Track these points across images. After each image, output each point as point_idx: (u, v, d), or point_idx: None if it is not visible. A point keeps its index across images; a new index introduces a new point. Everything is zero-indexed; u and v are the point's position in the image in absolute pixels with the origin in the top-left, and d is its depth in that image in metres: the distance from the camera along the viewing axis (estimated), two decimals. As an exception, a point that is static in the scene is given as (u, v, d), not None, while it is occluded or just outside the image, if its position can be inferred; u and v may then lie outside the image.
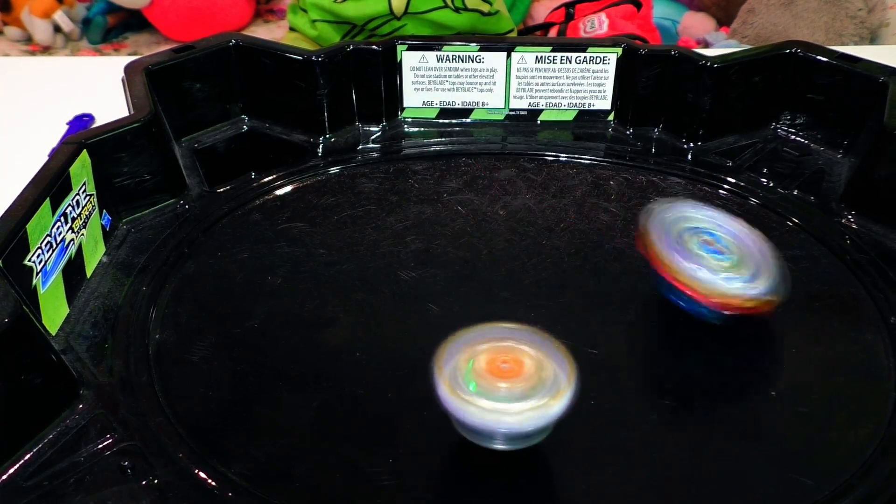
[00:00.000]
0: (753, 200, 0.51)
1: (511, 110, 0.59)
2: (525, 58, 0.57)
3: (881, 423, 0.36)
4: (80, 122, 0.66)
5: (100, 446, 0.35)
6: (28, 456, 0.34)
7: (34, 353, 0.35)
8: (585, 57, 0.57)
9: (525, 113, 0.59)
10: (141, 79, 0.52)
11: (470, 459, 0.35)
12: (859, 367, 0.39)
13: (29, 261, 0.38)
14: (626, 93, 0.58)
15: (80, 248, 0.43)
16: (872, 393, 0.38)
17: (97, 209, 0.46)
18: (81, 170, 0.44)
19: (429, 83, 0.59)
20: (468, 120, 0.60)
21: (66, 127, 0.65)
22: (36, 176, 0.41)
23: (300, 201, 0.51)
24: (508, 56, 0.58)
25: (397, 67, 0.58)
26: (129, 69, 0.54)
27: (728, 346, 0.40)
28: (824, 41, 1.31)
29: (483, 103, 0.59)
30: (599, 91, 0.58)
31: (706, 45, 1.45)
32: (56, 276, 0.41)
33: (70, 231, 0.42)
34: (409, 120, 0.60)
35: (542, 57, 0.57)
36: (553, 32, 1.27)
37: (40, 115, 0.68)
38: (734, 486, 0.34)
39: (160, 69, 0.54)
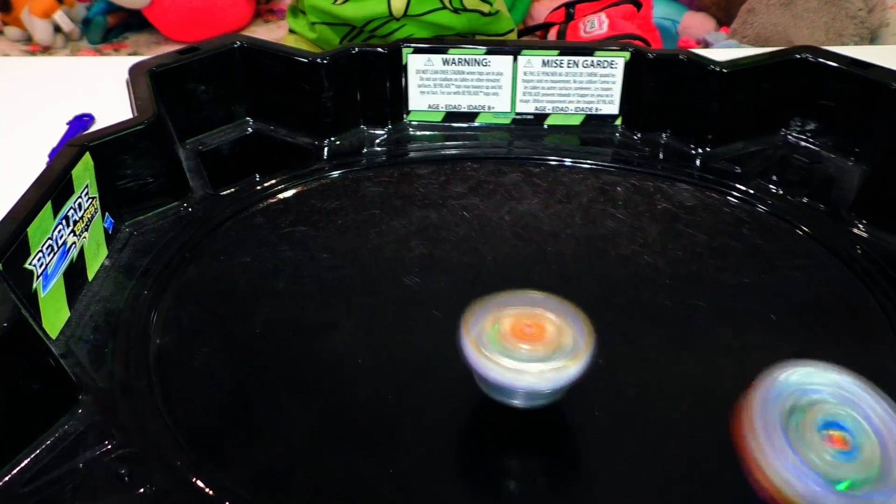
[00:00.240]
0: (762, 208, 0.50)
1: (517, 114, 0.59)
2: (532, 61, 0.57)
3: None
4: (80, 123, 0.65)
5: (98, 453, 0.34)
6: (26, 462, 0.34)
7: (33, 358, 0.35)
8: (593, 61, 0.57)
9: (531, 117, 0.59)
10: (145, 80, 0.52)
11: (471, 467, 0.35)
12: (868, 377, 0.38)
13: (30, 264, 0.38)
14: (633, 97, 0.57)
15: (81, 251, 0.43)
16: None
17: (99, 212, 0.45)
18: (84, 172, 0.44)
19: (434, 86, 0.58)
20: (474, 124, 0.59)
21: (66, 127, 0.65)
22: (38, 178, 0.41)
23: (304, 205, 0.51)
24: (515, 59, 0.57)
25: (403, 70, 0.57)
26: (134, 71, 0.53)
27: (735, 354, 0.40)
28: (824, 41, 1.31)
29: (489, 107, 0.59)
30: (607, 95, 0.58)
31: (706, 45, 1.45)
32: (57, 280, 0.40)
33: (72, 234, 0.42)
34: (415, 123, 0.59)
35: (548, 60, 0.57)
36: (553, 32, 1.27)
37: (40, 115, 0.67)
38: (738, 495, 0.33)
39: (164, 71, 0.54)
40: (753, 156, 0.55)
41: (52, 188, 0.40)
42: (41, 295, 0.39)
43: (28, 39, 1.76)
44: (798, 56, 0.55)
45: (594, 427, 0.37)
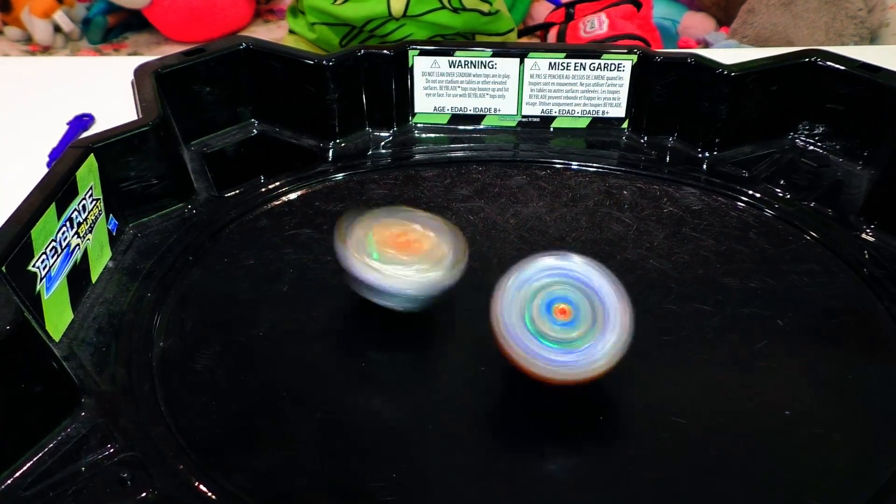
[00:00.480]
0: (769, 212, 0.50)
1: (523, 117, 0.59)
2: (538, 64, 0.57)
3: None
4: (81, 123, 0.65)
5: (100, 456, 0.34)
6: (28, 465, 0.34)
7: (35, 360, 0.35)
8: (599, 64, 0.56)
9: (538, 120, 0.59)
10: (150, 82, 0.52)
11: (474, 476, 0.34)
12: (876, 386, 0.38)
13: (33, 266, 0.38)
14: (640, 100, 0.57)
15: (85, 253, 0.42)
16: (890, 413, 0.37)
17: (103, 214, 0.45)
18: (88, 174, 0.44)
19: (440, 88, 0.58)
20: (480, 126, 0.59)
21: (66, 127, 0.65)
22: (42, 180, 0.41)
23: (308, 207, 0.50)
24: (521, 62, 0.57)
25: (409, 72, 0.57)
26: (139, 72, 0.53)
27: (740, 362, 0.40)
28: (824, 41, 1.30)
29: (495, 109, 0.58)
30: (613, 98, 0.57)
31: (706, 45, 1.45)
32: (61, 282, 0.40)
33: (76, 236, 0.42)
34: (420, 125, 0.59)
35: (555, 63, 0.57)
36: (553, 32, 1.27)
37: (40, 116, 0.67)
38: (743, 500, 0.33)
39: (170, 72, 0.54)
40: (761, 160, 0.55)
41: (56, 190, 0.40)
42: (44, 297, 0.38)
43: (28, 39, 1.76)
44: (807, 59, 0.54)
45: (600, 434, 0.36)
